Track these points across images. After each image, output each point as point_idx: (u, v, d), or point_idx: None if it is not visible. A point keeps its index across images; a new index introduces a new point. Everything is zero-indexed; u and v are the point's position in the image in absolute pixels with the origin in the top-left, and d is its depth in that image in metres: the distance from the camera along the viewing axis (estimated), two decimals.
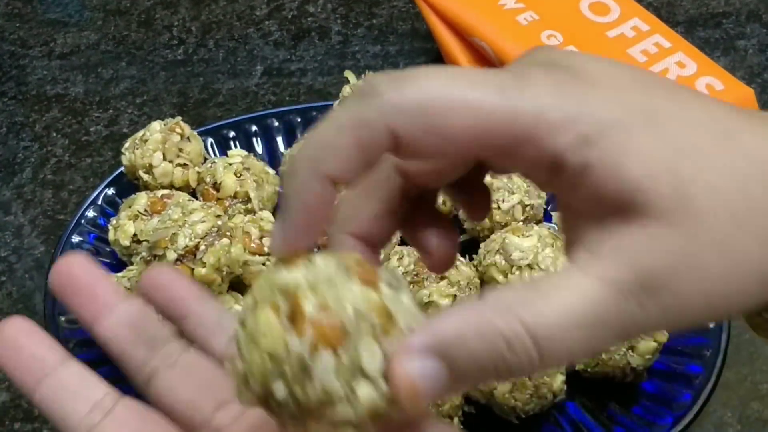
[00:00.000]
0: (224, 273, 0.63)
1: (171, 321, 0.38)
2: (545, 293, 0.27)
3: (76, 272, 0.37)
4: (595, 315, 0.26)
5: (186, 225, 0.61)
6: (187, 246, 0.61)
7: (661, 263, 0.26)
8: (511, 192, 0.73)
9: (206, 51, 1.10)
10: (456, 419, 0.61)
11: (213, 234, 0.62)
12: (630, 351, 0.63)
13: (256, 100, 1.01)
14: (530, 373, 0.27)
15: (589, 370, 0.65)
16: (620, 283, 0.26)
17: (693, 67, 0.93)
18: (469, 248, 0.74)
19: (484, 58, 0.98)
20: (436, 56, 1.05)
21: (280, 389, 0.27)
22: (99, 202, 0.79)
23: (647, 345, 0.63)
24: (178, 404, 0.35)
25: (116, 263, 0.75)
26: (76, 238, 0.76)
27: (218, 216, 0.64)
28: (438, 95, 0.27)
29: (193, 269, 0.61)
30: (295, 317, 0.27)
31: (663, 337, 0.63)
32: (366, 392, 0.27)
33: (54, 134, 0.98)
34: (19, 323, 0.35)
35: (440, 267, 0.36)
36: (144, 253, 0.63)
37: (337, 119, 0.29)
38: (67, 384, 0.34)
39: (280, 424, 0.29)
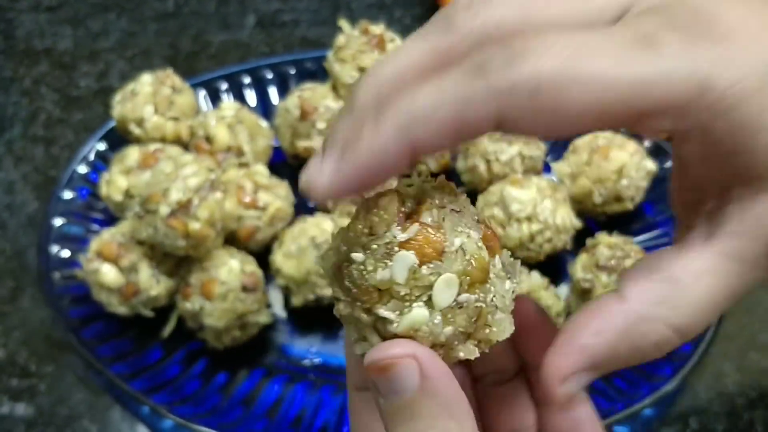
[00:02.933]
0: (218, 228, 0.62)
1: None
2: (685, 288, 0.27)
3: None
4: (733, 295, 0.28)
5: (178, 179, 0.60)
6: (179, 200, 0.60)
7: None
8: (509, 143, 0.72)
9: (197, 2, 1.08)
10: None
11: (206, 188, 0.61)
12: None
13: (249, 51, 1.00)
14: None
15: None
16: (754, 257, 0.27)
17: None
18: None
19: None
20: (432, 4, 1.03)
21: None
22: (90, 158, 0.78)
23: None
24: None
25: (109, 219, 0.74)
26: (68, 194, 0.75)
27: (211, 169, 0.63)
28: (553, 73, 0.24)
29: (186, 224, 0.60)
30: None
31: None
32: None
33: (43, 89, 0.96)
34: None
35: None
36: (136, 208, 0.62)
37: (440, 91, 0.26)
38: None
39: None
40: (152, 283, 0.64)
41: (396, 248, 0.29)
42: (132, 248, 0.64)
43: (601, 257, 0.63)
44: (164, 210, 0.60)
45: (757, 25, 0.26)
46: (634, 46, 0.25)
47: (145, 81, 0.75)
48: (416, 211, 0.30)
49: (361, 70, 0.76)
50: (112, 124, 0.78)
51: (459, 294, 0.29)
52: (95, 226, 0.74)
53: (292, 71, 0.86)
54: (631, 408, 0.60)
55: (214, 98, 0.84)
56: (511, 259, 0.31)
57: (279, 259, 0.66)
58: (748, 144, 0.25)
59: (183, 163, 0.62)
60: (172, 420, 0.60)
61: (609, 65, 0.24)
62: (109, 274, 0.63)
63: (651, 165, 0.71)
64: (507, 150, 0.71)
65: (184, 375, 0.65)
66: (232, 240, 0.69)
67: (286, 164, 0.81)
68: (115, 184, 0.69)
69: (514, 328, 0.31)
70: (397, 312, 0.29)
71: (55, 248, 0.71)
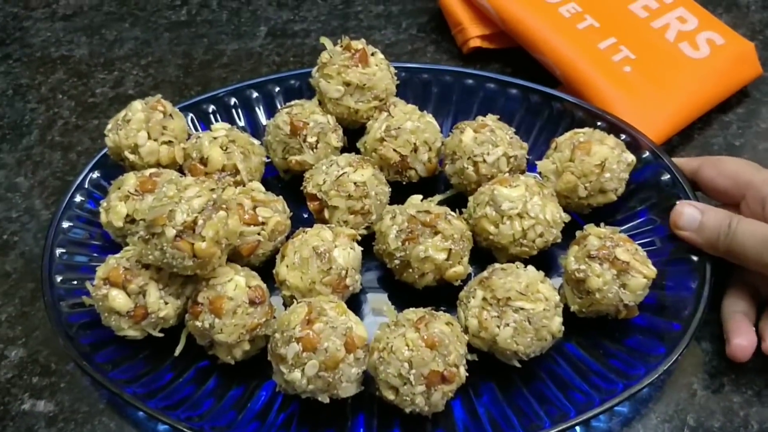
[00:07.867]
0: (223, 245, 0.64)
1: None
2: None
3: None
4: None
5: (182, 201, 0.62)
6: (185, 221, 0.61)
7: None
8: (494, 144, 0.73)
9: (209, 12, 1.09)
10: (461, 368, 0.62)
11: (209, 207, 0.62)
12: (622, 288, 0.64)
13: (261, 60, 1.01)
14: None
15: (584, 310, 0.67)
16: None
17: (694, 22, 0.91)
18: (458, 203, 0.75)
19: (486, 18, 0.96)
20: (437, 13, 1.04)
21: None
22: (86, 186, 0.79)
23: (637, 281, 0.64)
24: None
25: (109, 245, 0.75)
26: (66, 224, 0.76)
27: (212, 189, 0.64)
28: None
29: (193, 244, 0.61)
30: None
31: (652, 272, 0.65)
32: None
33: (60, 96, 0.98)
34: None
35: (741, 354, 0.66)
36: (141, 232, 0.63)
37: None
38: None
39: None
40: (161, 304, 0.66)
41: (293, 339, 0.60)
42: (138, 272, 0.65)
43: (591, 248, 0.65)
44: (170, 232, 0.61)
45: None
46: None
47: (136, 108, 0.76)
48: (313, 321, 0.60)
49: (347, 84, 0.77)
50: (104, 151, 0.79)
51: (319, 371, 0.59)
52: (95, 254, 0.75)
53: (277, 89, 0.87)
54: (630, 389, 0.62)
55: (204, 120, 0.85)
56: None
57: (283, 270, 0.68)
58: None
59: (185, 185, 0.63)
60: None
61: None
62: (117, 298, 0.65)
63: (630, 157, 0.73)
64: (493, 151, 0.73)
65: (199, 392, 0.67)
66: (233, 257, 0.70)
67: (278, 179, 0.82)
68: (114, 210, 0.70)
69: (357, 390, 0.62)
70: (286, 372, 0.60)
71: (59, 278, 0.72)
